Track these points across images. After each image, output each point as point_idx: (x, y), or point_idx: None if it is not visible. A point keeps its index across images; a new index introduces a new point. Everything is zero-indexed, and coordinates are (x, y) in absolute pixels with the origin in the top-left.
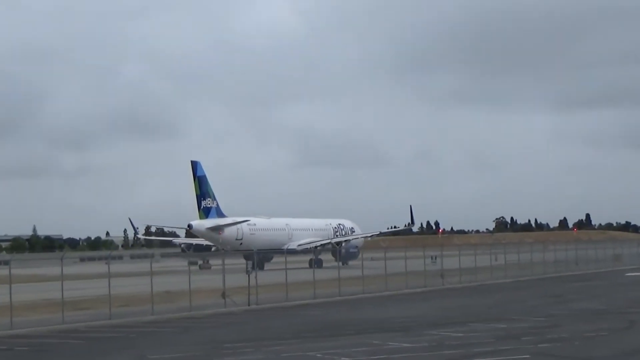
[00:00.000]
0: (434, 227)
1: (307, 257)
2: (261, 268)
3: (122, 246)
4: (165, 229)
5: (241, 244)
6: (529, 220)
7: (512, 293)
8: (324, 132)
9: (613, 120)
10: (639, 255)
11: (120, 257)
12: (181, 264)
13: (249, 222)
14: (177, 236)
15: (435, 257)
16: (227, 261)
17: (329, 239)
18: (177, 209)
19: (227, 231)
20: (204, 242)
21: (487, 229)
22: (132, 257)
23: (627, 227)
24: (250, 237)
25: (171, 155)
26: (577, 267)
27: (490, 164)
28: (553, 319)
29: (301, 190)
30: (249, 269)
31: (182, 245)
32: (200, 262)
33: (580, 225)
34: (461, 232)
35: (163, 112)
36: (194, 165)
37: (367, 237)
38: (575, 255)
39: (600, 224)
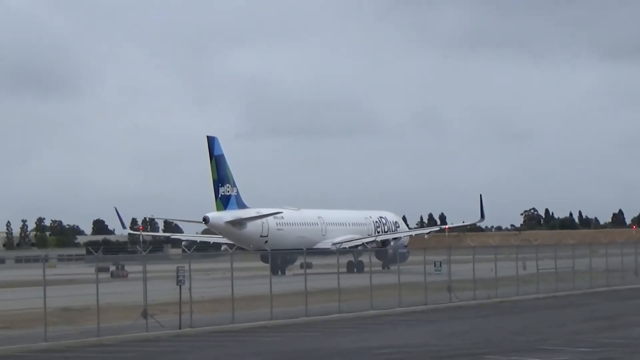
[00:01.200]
0: (438, 222)
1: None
2: (282, 272)
3: (4, 245)
4: (173, 221)
5: (266, 242)
6: (571, 214)
7: (547, 313)
8: (287, 88)
9: None
10: None
11: (2, 261)
12: (87, 270)
13: (279, 214)
14: (181, 231)
15: (441, 264)
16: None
17: (368, 236)
18: (82, 195)
19: (250, 226)
20: (211, 239)
21: (512, 226)
22: (19, 260)
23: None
24: (277, 234)
25: (73, 120)
26: (637, 278)
27: (516, 134)
28: (604, 351)
29: (253, 168)
30: (181, 277)
31: (184, 244)
32: (112, 268)
33: None
34: (477, 229)
35: (61, 60)
36: (210, 141)
37: (425, 233)
38: (635, 262)
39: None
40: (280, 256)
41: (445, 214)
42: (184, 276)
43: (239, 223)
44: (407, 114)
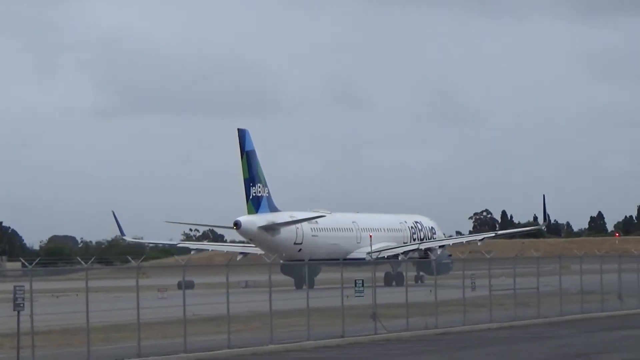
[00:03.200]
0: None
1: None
2: (311, 286)
3: None
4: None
5: (300, 250)
6: (535, 218)
7: (502, 350)
8: (160, 50)
9: None
10: None
11: None
12: None
13: (321, 217)
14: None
15: (363, 283)
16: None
17: (404, 244)
18: None
19: (284, 232)
20: (212, 248)
21: (458, 233)
22: None
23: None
24: (311, 241)
25: None
26: (621, 303)
27: (464, 112)
28: None
29: (113, 154)
30: (19, 300)
31: (192, 252)
32: None
33: (627, 226)
34: None
35: None
36: (242, 135)
37: (478, 240)
38: (618, 281)
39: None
40: (306, 267)
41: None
42: (23, 299)
43: (272, 228)
44: (318, 85)
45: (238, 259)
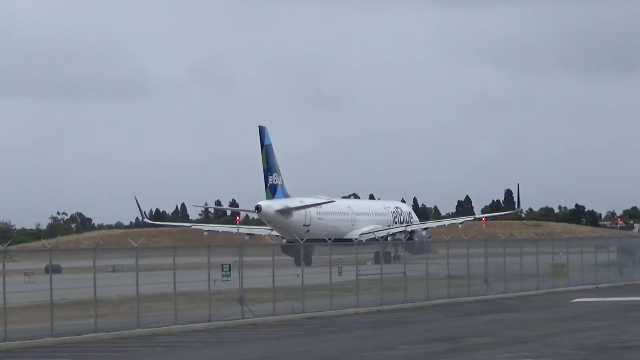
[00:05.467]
0: (228, 213)
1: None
2: (308, 263)
3: None
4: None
5: (308, 231)
6: (403, 201)
7: (369, 333)
8: (17, 28)
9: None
10: (596, 266)
11: None
12: None
13: (328, 203)
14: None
15: (230, 268)
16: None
17: (388, 227)
18: None
19: (296, 215)
20: (222, 229)
21: None
22: None
23: (576, 214)
24: (317, 223)
25: None
26: (487, 287)
27: (330, 96)
28: None
29: None
30: None
31: (205, 234)
32: None
33: (494, 210)
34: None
35: None
36: (261, 131)
37: (457, 223)
38: (485, 266)
39: (530, 209)
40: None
41: (236, 200)
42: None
43: (287, 212)
44: (183, 68)
45: (245, 239)
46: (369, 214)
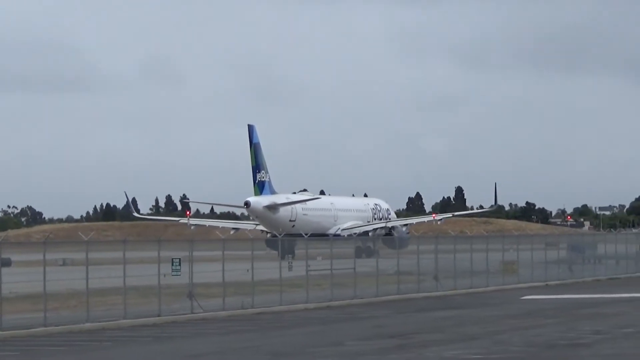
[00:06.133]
0: (178, 207)
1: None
2: (293, 256)
3: None
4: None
5: (293, 226)
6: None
7: (319, 329)
8: None
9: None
10: (546, 264)
11: None
12: None
13: (313, 200)
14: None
15: (180, 262)
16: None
17: (368, 223)
18: None
19: (282, 211)
20: (209, 223)
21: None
22: None
23: (527, 211)
24: (302, 219)
25: None
26: (437, 284)
27: (286, 93)
28: None
29: None
30: None
31: (192, 227)
32: None
33: (445, 207)
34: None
35: None
36: (250, 129)
37: (437, 221)
38: (435, 263)
39: (480, 206)
40: (287, 242)
41: (187, 195)
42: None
43: (274, 208)
44: (136, 63)
45: (231, 233)
46: (350, 211)
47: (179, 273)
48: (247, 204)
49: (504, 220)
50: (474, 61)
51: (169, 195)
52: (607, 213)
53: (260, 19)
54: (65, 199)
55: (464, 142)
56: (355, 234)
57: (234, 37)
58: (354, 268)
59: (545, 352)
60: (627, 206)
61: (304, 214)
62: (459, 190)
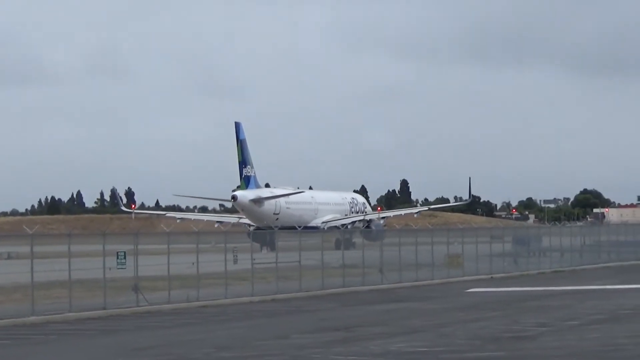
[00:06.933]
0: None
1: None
2: (273, 249)
3: None
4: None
5: (277, 219)
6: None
7: (264, 322)
8: None
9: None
10: (491, 257)
11: None
12: None
13: (293, 194)
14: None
15: (125, 255)
16: None
17: (345, 216)
18: None
19: (267, 204)
20: (194, 217)
21: (222, 207)
22: None
23: (472, 204)
24: (286, 212)
25: None
26: (382, 277)
27: (229, 87)
28: None
29: None
30: None
31: (178, 221)
32: None
33: (390, 200)
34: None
35: None
36: (237, 126)
37: (413, 213)
38: (380, 255)
39: (426, 199)
40: (268, 234)
41: (132, 188)
42: None
43: (259, 201)
44: (81, 56)
45: (215, 226)
46: (330, 204)
47: (124, 266)
48: (234, 198)
49: (449, 214)
50: (417, 55)
51: (114, 188)
52: (552, 206)
53: (205, 13)
54: (9, 192)
55: (408, 136)
56: (339, 226)
57: (179, 30)
58: (299, 261)
59: (490, 344)
60: (572, 199)
61: (287, 207)
62: (404, 183)
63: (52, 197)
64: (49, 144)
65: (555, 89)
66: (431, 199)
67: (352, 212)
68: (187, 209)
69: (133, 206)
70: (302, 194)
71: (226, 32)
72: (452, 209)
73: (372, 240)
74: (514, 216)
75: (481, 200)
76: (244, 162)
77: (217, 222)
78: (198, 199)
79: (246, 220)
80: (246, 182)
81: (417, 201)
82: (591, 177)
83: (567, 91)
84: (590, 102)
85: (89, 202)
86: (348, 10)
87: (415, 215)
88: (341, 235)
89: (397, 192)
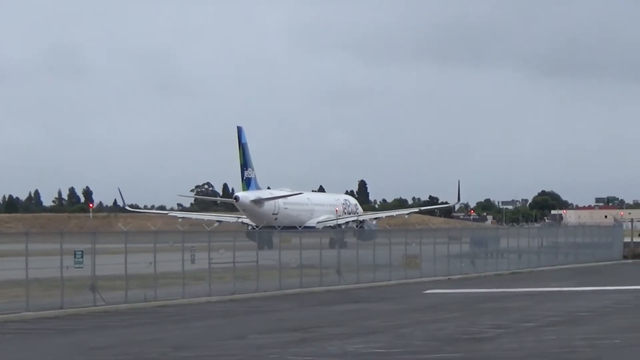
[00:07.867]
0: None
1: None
2: (270, 247)
3: None
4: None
5: (276, 219)
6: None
7: (221, 322)
8: None
9: None
10: (448, 258)
11: None
12: None
13: (291, 196)
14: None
15: (82, 254)
16: None
17: (338, 217)
18: None
19: (267, 205)
20: (195, 216)
21: (180, 205)
22: None
23: (430, 204)
24: (284, 213)
25: None
26: (339, 277)
27: (187, 84)
28: None
29: None
30: None
31: (180, 220)
32: None
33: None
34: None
35: None
36: (239, 131)
37: (404, 214)
38: (337, 256)
39: (384, 200)
40: (265, 233)
41: (91, 188)
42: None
43: (259, 202)
44: (38, 53)
45: (215, 225)
46: (324, 205)
47: (81, 265)
48: (236, 199)
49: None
50: (375, 55)
51: (72, 187)
52: (510, 207)
53: (164, 11)
54: None
55: (366, 136)
56: (334, 226)
57: (136, 27)
58: (257, 261)
59: (448, 346)
60: (530, 201)
61: (285, 208)
62: (362, 184)
63: (10, 196)
64: (6, 142)
65: (514, 90)
66: (389, 200)
67: (345, 213)
68: (145, 208)
69: (91, 205)
70: (299, 195)
71: (184, 30)
72: (440, 212)
73: (365, 239)
74: (471, 217)
75: (439, 201)
76: (245, 164)
77: (217, 221)
78: (201, 199)
79: (247, 220)
80: (247, 184)
81: (374, 202)
82: (549, 179)
83: (526, 93)
84: (549, 104)
85: (47, 201)
86: (308, 11)
87: (406, 217)
88: (336, 235)
89: (354, 192)
